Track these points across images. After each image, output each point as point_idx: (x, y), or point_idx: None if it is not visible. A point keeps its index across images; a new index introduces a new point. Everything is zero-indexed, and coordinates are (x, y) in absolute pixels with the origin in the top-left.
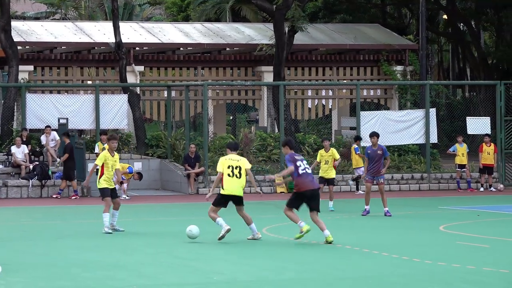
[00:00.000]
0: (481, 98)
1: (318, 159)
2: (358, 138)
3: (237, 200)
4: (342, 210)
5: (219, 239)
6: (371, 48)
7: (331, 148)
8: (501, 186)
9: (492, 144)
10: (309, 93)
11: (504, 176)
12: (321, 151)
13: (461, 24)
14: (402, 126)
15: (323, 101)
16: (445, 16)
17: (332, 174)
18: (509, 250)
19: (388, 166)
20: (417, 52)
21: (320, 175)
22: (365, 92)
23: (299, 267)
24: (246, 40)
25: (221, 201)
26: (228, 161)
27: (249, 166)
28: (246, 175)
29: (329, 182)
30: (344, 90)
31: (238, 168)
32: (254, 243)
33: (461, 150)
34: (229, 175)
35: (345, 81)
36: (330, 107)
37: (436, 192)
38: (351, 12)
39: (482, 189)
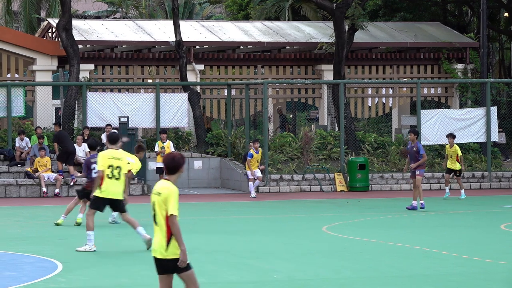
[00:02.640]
0: None
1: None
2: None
3: (115, 205)
4: (398, 208)
5: (78, 250)
6: (432, 46)
7: (455, 145)
8: None
9: None
10: (369, 91)
11: None
12: (446, 146)
13: None
14: (463, 124)
15: (383, 100)
16: (506, 14)
17: (457, 166)
18: None
19: (422, 163)
20: (478, 50)
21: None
22: (425, 91)
23: (358, 265)
24: (306, 39)
25: (97, 204)
26: (109, 159)
27: (132, 167)
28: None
29: (455, 173)
30: (404, 89)
31: (118, 169)
32: (312, 241)
33: None
34: (108, 176)
35: (405, 79)
36: (390, 105)
37: (497, 190)
38: (412, 10)
39: None
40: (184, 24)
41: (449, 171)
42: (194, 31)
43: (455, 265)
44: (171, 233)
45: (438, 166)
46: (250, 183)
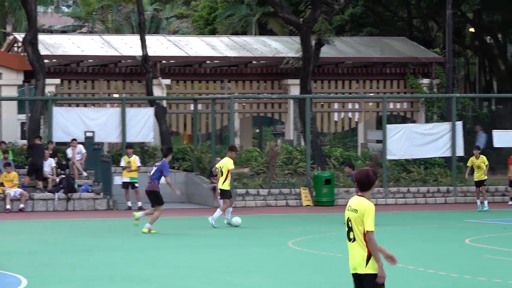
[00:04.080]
0: (508, 111)
1: (469, 164)
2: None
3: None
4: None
5: None
6: (398, 61)
7: (481, 156)
8: None
9: None
10: (336, 106)
11: None
12: (472, 158)
13: (488, 37)
14: (429, 139)
15: (350, 114)
16: (471, 29)
17: (484, 176)
18: None
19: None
20: (444, 65)
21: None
22: (391, 105)
23: (324, 280)
24: (272, 53)
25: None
26: None
27: None
28: None
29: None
30: (370, 103)
31: None
32: (279, 256)
33: None
34: None
35: (371, 94)
36: (356, 120)
37: (463, 205)
38: (378, 25)
39: (511, 202)
40: (150, 39)
41: (479, 183)
42: (161, 45)
43: (422, 279)
44: None
45: (404, 180)
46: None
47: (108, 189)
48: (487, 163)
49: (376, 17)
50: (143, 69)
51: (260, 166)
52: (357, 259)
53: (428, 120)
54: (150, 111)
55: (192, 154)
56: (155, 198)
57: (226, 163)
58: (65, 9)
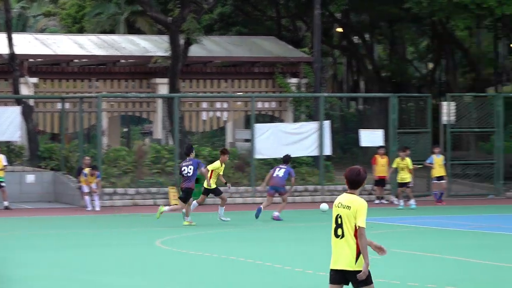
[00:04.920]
0: (375, 111)
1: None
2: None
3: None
4: (233, 221)
5: None
6: (266, 60)
7: (406, 158)
8: (394, 198)
9: (385, 156)
10: (204, 105)
11: (396, 188)
12: (397, 160)
13: (356, 37)
14: (296, 138)
15: (218, 113)
16: (339, 29)
17: (408, 178)
18: (398, 260)
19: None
20: (312, 65)
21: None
22: (259, 105)
23: (191, 279)
24: (141, 52)
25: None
26: None
27: None
28: None
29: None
30: (239, 103)
31: None
32: (146, 255)
33: (438, 161)
34: None
35: (240, 93)
36: (225, 119)
37: (330, 204)
38: (247, 24)
39: (377, 201)
40: (17, 37)
41: (402, 184)
42: (28, 44)
43: (287, 279)
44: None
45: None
46: (87, 197)
47: None
48: (411, 167)
49: (245, 16)
50: (9, 67)
51: (128, 165)
52: (346, 257)
53: (296, 119)
54: (17, 110)
55: (59, 153)
56: (187, 196)
57: (213, 164)
58: None
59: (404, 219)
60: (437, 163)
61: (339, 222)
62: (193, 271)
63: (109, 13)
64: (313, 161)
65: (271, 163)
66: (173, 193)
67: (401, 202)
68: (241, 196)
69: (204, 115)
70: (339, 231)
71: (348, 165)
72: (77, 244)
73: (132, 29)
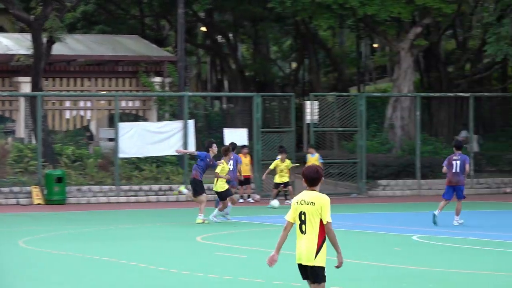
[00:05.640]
0: (239, 110)
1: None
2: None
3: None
4: (97, 221)
5: None
6: (130, 59)
7: (287, 160)
8: (258, 197)
9: (249, 156)
10: (68, 104)
11: (260, 187)
12: (277, 161)
13: (219, 36)
14: (161, 137)
15: (82, 112)
16: (203, 28)
17: (286, 178)
18: (264, 260)
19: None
20: (176, 64)
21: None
22: (123, 104)
23: (55, 279)
24: (3, 50)
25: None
26: None
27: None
28: None
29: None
30: (102, 101)
31: None
32: (7, 255)
33: (312, 160)
34: None
35: (103, 92)
36: (88, 118)
37: (195, 203)
38: (110, 23)
39: (241, 200)
40: None
41: (278, 185)
42: None
43: (153, 278)
44: (322, 241)
45: (136, 178)
46: None
47: None
48: (290, 166)
49: (108, 15)
50: None
51: None
52: (307, 252)
53: (160, 118)
54: None
55: None
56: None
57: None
58: None
59: (271, 218)
60: (312, 162)
61: (303, 218)
62: (57, 271)
63: None
64: (177, 160)
65: (135, 162)
66: (36, 192)
67: (276, 201)
68: (105, 195)
69: (67, 114)
70: (303, 227)
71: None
72: None
73: None
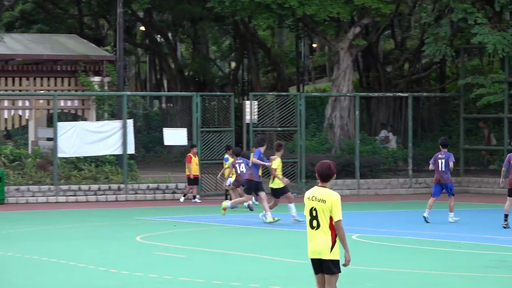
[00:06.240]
0: (178, 109)
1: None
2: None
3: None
4: (35, 221)
5: None
6: (69, 59)
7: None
8: (198, 196)
9: (196, 155)
10: (5, 103)
11: (200, 187)
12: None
13: (159, 36)
14: (100, 137)
15: (20, 112)
16: (142, 28)
17: None
18: (204, 259)
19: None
20: (115, 63)
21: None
22: (62, 103)
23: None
24: None
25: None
26: None
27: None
28: None
29: None
30: (41, 101)
31: None
32: None
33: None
34: None
35: (42, 91)
36: (27, 117)
37: (134, 202)
38: (48, 22)
39: (182, 199)
40: None
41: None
42: None
43: (92, 278)
44: (335, 236)
45: (75, 178)
46: None
47: None
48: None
49: (46, 14)
50: None
51: None
52: (321, 246)
53: (99, 118)
54: None
55: None
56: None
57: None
58: None
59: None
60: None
61: (314, 214)
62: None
63: None
64: (116, 160)
65: (74, 162)
66: None
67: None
68: (44, 195)
69: (5, 113)
70: (314, 223)
71: (151, 163)
72: None
73: None
